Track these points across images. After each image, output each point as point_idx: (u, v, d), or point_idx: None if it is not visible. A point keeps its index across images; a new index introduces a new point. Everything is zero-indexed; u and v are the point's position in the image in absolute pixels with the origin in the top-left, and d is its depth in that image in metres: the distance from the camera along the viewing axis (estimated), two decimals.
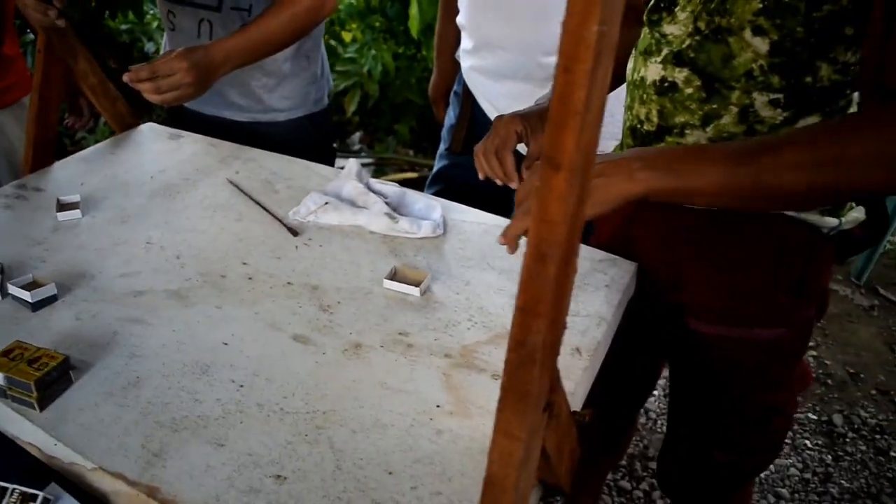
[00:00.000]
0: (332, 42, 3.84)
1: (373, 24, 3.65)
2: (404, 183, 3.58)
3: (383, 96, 3.77)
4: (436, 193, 1.77)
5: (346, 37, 3.89)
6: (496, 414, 0.59)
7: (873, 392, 2.56)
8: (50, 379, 0.91)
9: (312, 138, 1.84)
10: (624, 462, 2.23)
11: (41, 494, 0.81)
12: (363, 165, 3.80)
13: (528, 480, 0.65)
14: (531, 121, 1.13)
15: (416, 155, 3.84)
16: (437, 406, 0.92)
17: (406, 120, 3.87)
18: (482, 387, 0.96)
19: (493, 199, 1.82)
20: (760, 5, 0.92)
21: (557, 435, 0.73)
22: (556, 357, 0.62)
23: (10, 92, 1.91)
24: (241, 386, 0.94)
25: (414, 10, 3.20)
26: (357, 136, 3.99)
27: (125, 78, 1.33)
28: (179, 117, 1.80)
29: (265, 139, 1.70)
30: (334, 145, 2.00)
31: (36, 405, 0.90)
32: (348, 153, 3.78)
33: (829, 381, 2.60)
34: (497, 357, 1.01)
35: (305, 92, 1.78)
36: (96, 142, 3.86)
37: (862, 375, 2.63)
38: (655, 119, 1.10)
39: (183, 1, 1.64)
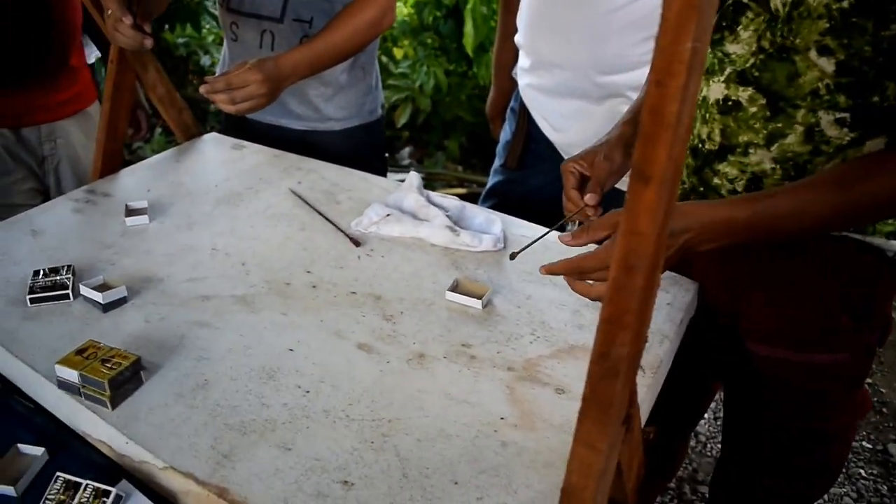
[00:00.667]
0: (384, 58, 3.88)
1: (425, 40, 3.68)
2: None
3: (434, 112, 3.80)
4: (490, 208, 1.78)
5: (398, 53, 3.93)
6: (577, 424, 0.59)
7: None
8: (122, 378, 0.93)
9: (366, 147, 1.87)
10: (673, 485, 2.19)
11: (114, 490, 0.83)
12: None
13: (604, 493, 0.64)
14: (587, 157, 1.12)
15: (465, 171, 3.85)
16: (502, 418, 0.92)
17: (456, 136, 3.89)
18: (546, 400, 0.95)
19: (547, 214, 1.82)
20: (827, 25, 0.92)
21: (630, 449, 0.73)
22: (637, 370, 0.62)
23: (75, 102, 1.96)
24: (308, 392, 0.95)
25: (469, 27, 3.23)
26: (407, 150, 4.02)
27: (201, 90, 1.39)
28: (238, 125, 1.84)
29: (321, 147, 1.75)
30: (386, 155, 2.03)
31: (108, 403, 0.92)
32: (398, 167, 3.81)
33: (885, 410, 2.53)
34: (560, 371, 1.01)
35: (361, 102, 1.82)
36: (153, 151, 3.95)
37: None
38: (718, 138, 1.09)
39: (247, 13, 1.69)
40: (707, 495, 1.78)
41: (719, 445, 2.30)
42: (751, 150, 1.05)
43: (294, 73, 1.48)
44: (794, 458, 1.25)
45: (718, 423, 2.43)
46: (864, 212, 0.94)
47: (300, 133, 1.80)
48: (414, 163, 3.95)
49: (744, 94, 1.04)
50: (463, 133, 3.91)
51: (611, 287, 0.56)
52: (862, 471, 2.28)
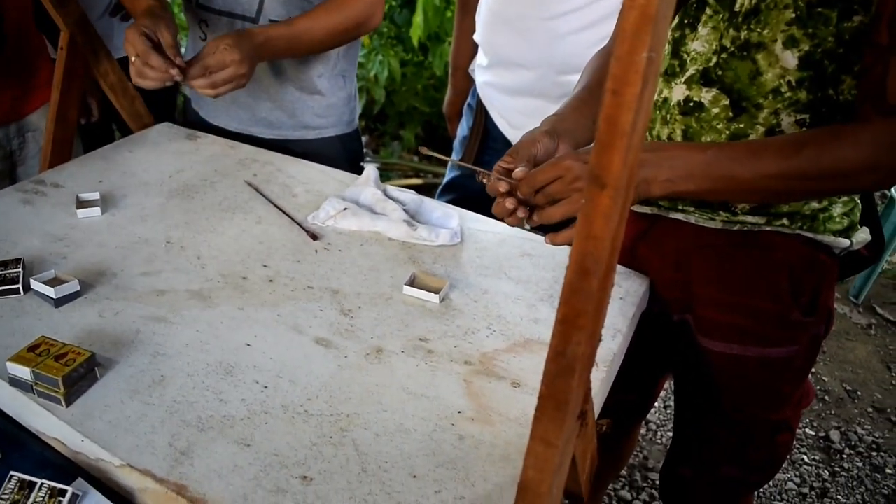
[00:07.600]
0: None
1: (381, 29, 3.66)
2: (409, 189, 3.59)
3: (389, 102, 3.79)
4: (447, 202, 1.79)
5: None
6: (533, 421, 0.61)
7: (870, 410, 2.58)
8: (77, 375, 0.92)
9: (341, 158, 1.77)
10: (624, 472, 2.24)
11: (70, 489, 0.83)
12: None
13: (559, 486, 0.66)
14: (543, 139, 1.04)
15: (420, 161, 3.86)
16: (459, 412, 0.94)
17: (411, 126, 3.89)
18: (502, 394, 0.97)
19: None
20: (793, 15, 0.95)
21: (584, 443, 0.75)
22: (591, 368, 0.63)
23: (43, 93, 1.88)
24: (266, 387, 0.96)
25: (418, 18, 3.21)
26: (363, 140, 4.01)
27: (177, 78, 1.33)
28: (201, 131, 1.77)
29: (294, 157, 1.65)
30: (362, 164, 1.94)
31: (62, 401, 0.91)
32: None
33: (827, 398, 2.62)
34: (516, 365, 1.02)
35: (340, 112, 1.73)
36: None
37: (859, 393, 2.65)
38: (679, 139, 1.11)
39: (219, 10, 1.58)
40: (658, 482, 1.82)
41: (669, 434, 2.36)
42: None
43: (269, 49, 1.43)
44: (745, 448, 1.29)
45: (668, 411, 2.49)
46: (812, 173, 0.93)
47: (270, 142, 1.70)
48: (370, 153, 3.94)
49: (707, 94, 1.06)
50: (419, 123, 3.91)
51: (566, 289, 0.57)
52: (805, 457, 2.36)
